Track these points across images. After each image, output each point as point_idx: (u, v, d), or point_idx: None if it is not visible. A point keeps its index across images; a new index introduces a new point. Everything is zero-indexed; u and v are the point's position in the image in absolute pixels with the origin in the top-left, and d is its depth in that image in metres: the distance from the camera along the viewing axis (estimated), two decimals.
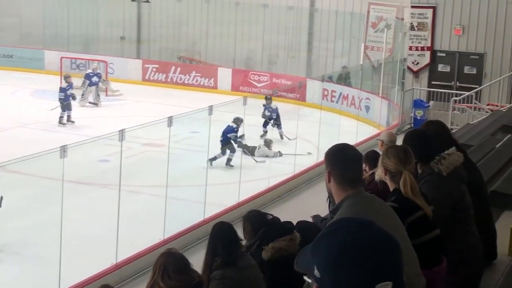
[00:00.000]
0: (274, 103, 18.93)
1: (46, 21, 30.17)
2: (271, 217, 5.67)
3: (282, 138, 18.39)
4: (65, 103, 19.73)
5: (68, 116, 19.76)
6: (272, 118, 18.59)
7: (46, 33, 30.10)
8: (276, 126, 18.57)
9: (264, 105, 18.84)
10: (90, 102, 22.53)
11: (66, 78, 20.94)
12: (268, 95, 19.60)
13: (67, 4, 29.73)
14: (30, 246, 10.91)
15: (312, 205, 12.51)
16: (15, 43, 29.69)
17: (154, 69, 27.08)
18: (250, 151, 16.52)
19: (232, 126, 15.92)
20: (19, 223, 11.39)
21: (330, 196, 3.62)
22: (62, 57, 25.95)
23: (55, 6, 30.11)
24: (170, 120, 11.42)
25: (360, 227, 1.96)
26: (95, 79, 22.72)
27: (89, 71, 23.26)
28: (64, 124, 19.51)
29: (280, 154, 16.69)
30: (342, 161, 3.45)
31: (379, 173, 4.14)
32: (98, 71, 23.51)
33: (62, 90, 20.08)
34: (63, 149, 9.14)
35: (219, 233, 5.16)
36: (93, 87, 22.59)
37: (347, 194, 3.42)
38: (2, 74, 25.91)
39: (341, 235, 1.95)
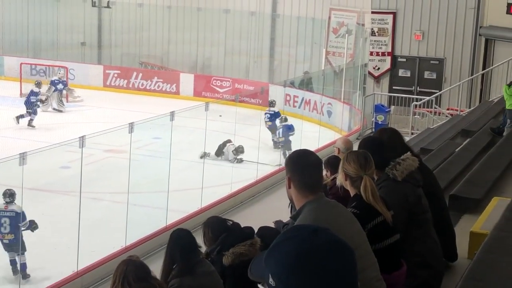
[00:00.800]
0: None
1: (5, 26, 29.77)
2: (231, 222, 5.68)
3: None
4: (34, 108, 20.12)
5: (31, 120, 19.86)
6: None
7: (5, 38, 29.70)
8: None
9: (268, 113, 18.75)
10: (54, 108, 22.52)
11: (38, 84, 21.23)
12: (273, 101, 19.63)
13: (26, 9, 29.35)
14: None
15: (275, 210, 12.56)
16: None
17: (116, 75, 26.87)
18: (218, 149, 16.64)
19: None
20: None
21: (292, 202, 3.64)
22: (22, 63, 25.61)
23: (14, 11, 29.70)
24: (131, 126, 11.35)
25: (314, 234, 1.96)
26: (60, 86, 22.94)
27: (55, 78, 23.41)
28: (33, 126, 19.75)
29: (240, 161, 16.65)
30: (302, 167, 3.47)
31: (339, 178, 4.16)
32: (64, 78, 23.69)
33: (34, 94, 20.46)
34: (22, 156, 9.02)
35: (177, 241, 5.17)
36: (55, 93, 22.58)
37: (307, 200, 3.44)
38: None
39: (295, 243, 1.95)
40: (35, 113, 20.15)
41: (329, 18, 23.87)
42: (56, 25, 28.86)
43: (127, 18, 28.32)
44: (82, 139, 10.12)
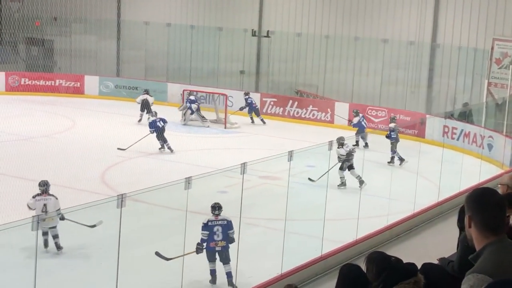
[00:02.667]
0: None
1: (170, 55, 31.29)
2: (394, 259, 5.57)
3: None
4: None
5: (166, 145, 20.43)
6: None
7: (170, 66, 31.21)
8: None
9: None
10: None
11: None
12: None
13: (190, 38, 30.70)
14: (147, 274, 11.18)
15: (433, 245, 12.27)
16: (140, 75, 30.95)
17: (272, 103, 27.41)
18: None
19: None
20: (137, 253, 11.68)
21: (469, 241, 3.51)
22: (184, 90, 26.74)
23: (178, 41, 31.17)
24: (290, 155, 11.48)
25: None
26: (194, 106, 24.72)
27: (192, 97, 25.13)
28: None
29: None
30: (484, 207, 3.35)
31: None
32: (200, 101, 25.68)
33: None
34: (188, 181, 9.36)
35: (348, 276, 5.11)
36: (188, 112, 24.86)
37: (488, 241, 3.31)
38: (127, 105, 26.99)
39: None
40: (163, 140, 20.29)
41: (492, 48, 23.10)
42: (217, 54, 29.93)
43: (285, 47, 28.86)
44: (243, 165, 10.36)
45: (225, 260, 10.87)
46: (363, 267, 5.53)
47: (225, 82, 29.32)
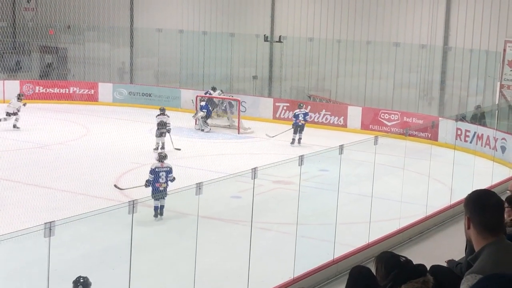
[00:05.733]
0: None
1: (182, 61, 31.44)
2: (403, 259, 5.60)
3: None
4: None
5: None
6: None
7: (183, 72, 31.37)
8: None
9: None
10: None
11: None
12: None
13: (203, 44, 30.85)
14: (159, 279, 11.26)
15: (445, 248, 12.27)
16: (153, 82, 31.13)
17: (285, 108, 27.47)
18: None
19: None
20: (150, 257, 11.78)
21: (469, 242, 3.56)
22: (197, 96, 26.86)
23: (191, 47, 31.32)
24: (301, 159, 11.53)
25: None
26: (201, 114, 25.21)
27: (203, 103, 25.44)
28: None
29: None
30: (483, 208, 3.40)
31: None
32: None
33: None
34: (199, 186, 9.44)
35: (358, 278, 5.15)
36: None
37: (487, 242, 3.36)
38: (140, 112, 27.15)
39: None
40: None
41: (504, 50, 23.02)
42: (230, 60, 30.04)
43: (297, 52, 28.92)
44: (254, 170, 10.41)
45: (163, 196, 13.98)
46: (373, 268, 5.58)
47: (238, 87, 29.43)
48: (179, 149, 20.95)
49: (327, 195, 14.69)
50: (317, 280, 11.15)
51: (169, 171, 14.56)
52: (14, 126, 23.57)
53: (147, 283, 10.72)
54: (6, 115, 23.75)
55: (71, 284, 8.50)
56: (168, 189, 14.25)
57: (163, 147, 20.55)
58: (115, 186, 16.02)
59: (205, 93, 27.02)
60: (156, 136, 21.21)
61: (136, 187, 15.07)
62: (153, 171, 14.40)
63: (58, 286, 8.52)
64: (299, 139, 23.46)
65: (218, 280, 11.01)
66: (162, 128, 21.27)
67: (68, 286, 8.51)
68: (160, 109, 22.15)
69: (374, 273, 5.47)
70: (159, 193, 14.07)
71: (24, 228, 8.21)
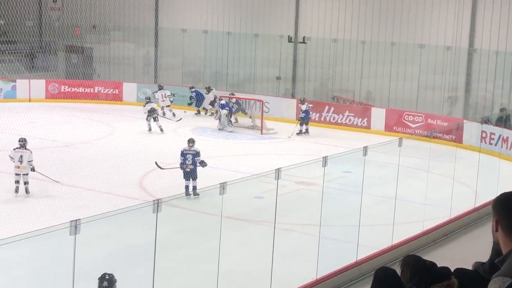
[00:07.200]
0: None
1: (206, 61, 31.54)
2: (428, 262, 5.59)
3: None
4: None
5: None
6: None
7: (206, 72, 31.46)
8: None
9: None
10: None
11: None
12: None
13: (227, 45, 30.92)
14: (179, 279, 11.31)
15: (469, 251, 12.18)
16: (177, 82, 31.25)
17: (308, 108, 27.39)
18: None
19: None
20: (174, 256, 11.83)
21: (496, 245, 3.54)
22: (221, 96, 26.92)
23: (215, 47, 31.40)
24: (325, 160, 11.51)
25: None
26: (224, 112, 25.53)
27: (223, 101, 25.87)
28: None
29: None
30: (511, 210, 3.37)
31: None
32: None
33: None
34: (223, 186, 9.46)
35: (384, 279, 5.14)
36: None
37: None
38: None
39: None
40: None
41: None
42: (254, 60, 30.07)
43: (321, 53, 28.87)
44: (278, 171, 10.43)
45: (194, 177, 15.79)
46: (398, 271, 5.57)
47: (261, 87, 29.45)
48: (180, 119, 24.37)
49: (351, 196, 14.67)
50: (340, 281, 11.14)
51: (195, 154, 16.01)
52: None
53: (170, 282, 10.77)
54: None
55: (97, 281, 8.57)
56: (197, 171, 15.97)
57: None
58: (156, 163, 17.34)
59: (207, 92, 28.06)
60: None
61: (174, 168, 16.52)
62: (182, 153, 16.11)
63: (84, 283, 8.59)
64: (306, 129, 25.01)
65: (241, 280, 11.04)
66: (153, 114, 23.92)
67: (93, 283, 8.57)
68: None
69: (399, 275, 5.47)
70: (186, 174, 15.87)
71: (50, 226, 8.30)
